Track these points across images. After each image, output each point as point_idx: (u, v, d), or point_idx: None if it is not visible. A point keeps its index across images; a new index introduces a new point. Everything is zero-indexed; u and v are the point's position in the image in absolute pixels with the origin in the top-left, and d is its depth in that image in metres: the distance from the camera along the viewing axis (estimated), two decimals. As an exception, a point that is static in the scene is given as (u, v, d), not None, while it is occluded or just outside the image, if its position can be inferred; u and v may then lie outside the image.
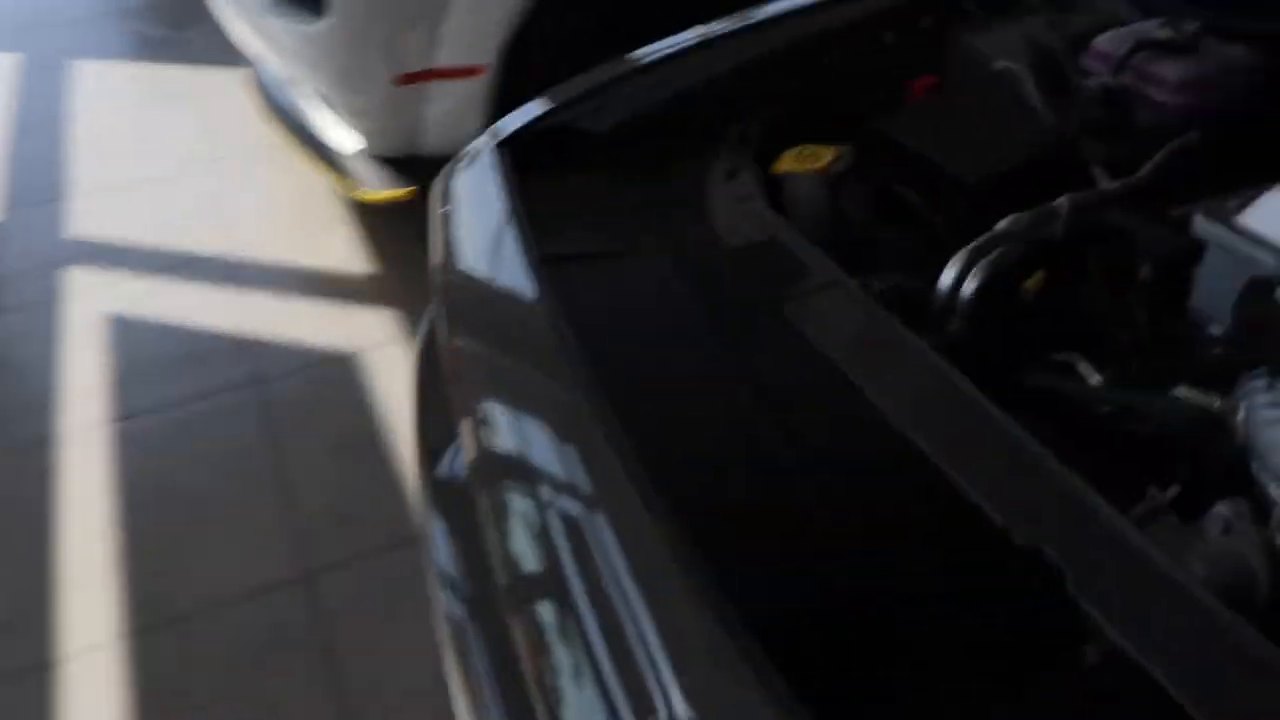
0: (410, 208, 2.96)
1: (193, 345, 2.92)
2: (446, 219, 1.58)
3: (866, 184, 1.55)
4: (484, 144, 1.65)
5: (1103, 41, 1.59)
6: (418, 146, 2.99)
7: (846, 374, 1.14)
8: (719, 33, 1.76)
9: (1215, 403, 1.16)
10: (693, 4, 3.02)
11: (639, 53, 1.77)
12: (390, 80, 2.83)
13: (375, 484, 2.44)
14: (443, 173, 1.67)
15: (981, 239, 1.33)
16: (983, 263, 1.32)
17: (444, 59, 2.82)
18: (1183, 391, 1.22)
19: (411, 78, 2.84)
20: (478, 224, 1.53)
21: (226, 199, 3.54)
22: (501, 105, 2.90)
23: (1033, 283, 1.36)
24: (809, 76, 1.72)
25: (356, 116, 2.98)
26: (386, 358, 2.79)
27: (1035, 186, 1.42)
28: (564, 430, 1.18)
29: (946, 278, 1.32)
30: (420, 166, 3.00)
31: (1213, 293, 1.23)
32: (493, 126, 1.69)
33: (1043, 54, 1.66)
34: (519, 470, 1.17)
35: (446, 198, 1.61)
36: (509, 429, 1.23)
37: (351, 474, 2.47)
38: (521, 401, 1.26)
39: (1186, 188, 1.42)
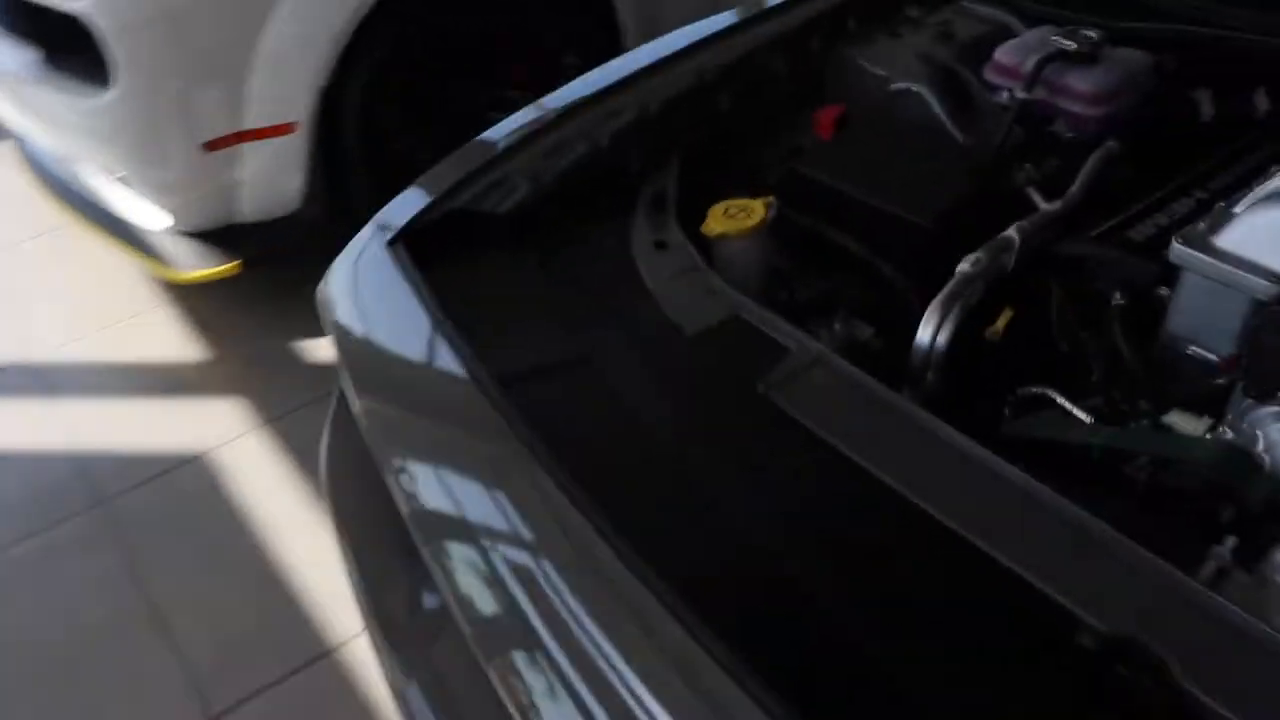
0: (235, 282, 2.72)
1: (9, 472, 2.57)
2: (348, 333, 1.41)
3: (797, 233, 1.46)
4: (372, 240, 1.47)
5: (1004, 54, 1.56)
6: (234, 215, 2.74)
7: (870, 462, 1.06)
8: (595, 89, 1.62)
9: (1226, 431, 1.14)
10: (507, 54, 2.93)
11: (512, 122, 1.62)
12: (196, 148, 2.57)
13: (260, 599, 2.21)
14: (327, 279, 1.49)
15: (951, 286, 1.27)
16: (955, 310, 1.26)
17: (253, 119, 2.59)
18: (1174, 418, 1.20)
19: (219, 143, 2.59)
20: (395, 335, 1.36)
21: (15, 295, 3.16)
22: (321, 160, 2.70)
23: (1002, 322, 1.31)
24: (707, 121, 1.62)
25: (160, 191, 2.70)
26: (241, 452, 2.54)
27: (978, 218, 1.38)
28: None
29: (925, 333, 1.25)
30: (240, 236, 2.77)
31: (1191, 318, 1.21)
32: (375, 219, 1.51)
33: (942, 71, 1.62)
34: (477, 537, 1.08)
35: (342, 308, 1.43)
36: (466, 516, 1.13)
37: (230, 592, 2.23)
38: (482, 502, 1.13)
39: (1116, 199, 1.41)
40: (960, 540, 0.98)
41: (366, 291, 1.42)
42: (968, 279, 1.28)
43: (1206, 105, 1.54)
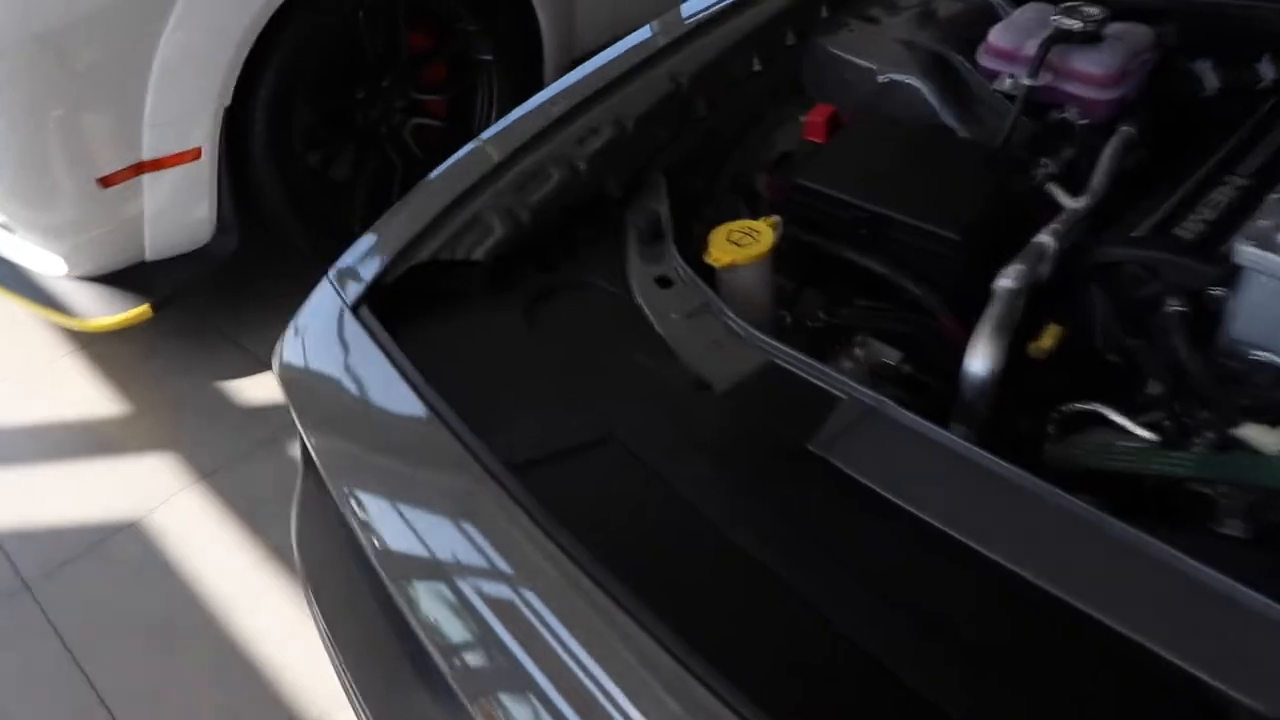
0: (147, 323, 2.50)
1: (-86, 561, 2.33)
2: (316, 413, 1.24)
3: (805, 253, 1.34)
4: (332, 303, 1.30)
5: (999, 37, 1.44)
6: (138, 253, 2.52)
7: (954, 526, 0.94)
8: (560, 107, 1.46)
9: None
10: (419, 57, 2.74)
11: (469, 154, 1.45)
12: (88, 185, 2.34)
13: (221, 680, 2.02)
14: (284, 349, 1.32)
15: (999, 306, 1.16)
16: (1003, 332, 1.15)
17: (152, 148, 2.37)
18: (1249, 431, 1.11)
19: (115, 177, 2.37)
20: (372, 413, 1.20)
21: (-106, 359, 2.87)
22: (230, 186, 2.49)
23: (1050, 338, 1.21)
24: (686, 132, 1.48)
25: (50, 235, 2.47)
26: (177, 514, 2.34)
27: (1004, 223, 1.27)
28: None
29: (978, 362, 1.13)
30: (148, 277, 2.54)
31: (1259, 321, 1.12)
32: (331, 275, 1.34)
33: (931, 58, 1.51)
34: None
35: (307, 385, 1.26)
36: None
37: (186, 676, 2.03)
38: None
39: (1141, 188, 1.31)
40: (1074, 612, 0.87)
41: (333, 364, 1.25)
42: (1013, 295, 1.17)
43: (1210, 77, 1.45)
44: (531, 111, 1.47)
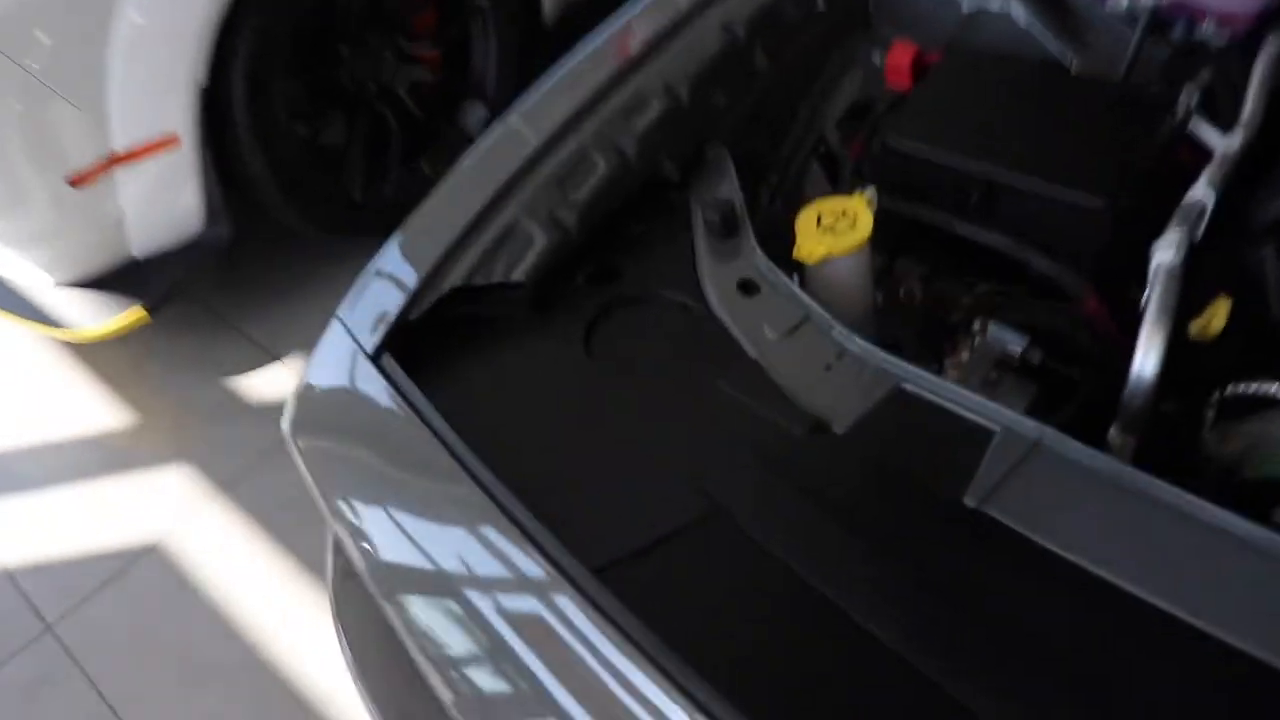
0: (140, 327, 2.30)
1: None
2: (338, 483, 1.05)
3: (904, 228, 1.13)
4: (347, 347, 1.09)
5: (1108, -54, 1.21)
6: (124, 253, 2.31)
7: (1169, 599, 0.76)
8: (595, 79, 1.23)
9: None
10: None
11: (496, 141, 1.23)
12: (58, 185, 2.13)
13: (262, 711, 1.87)
14: (296, 404, 1.12)
15: (1162, 289, 0.95)
16: (1165, 317, 0.95)
17: (124, 139, 2.14)
18: None
19: (86, 175, 2.15)
20: (406, 488, 1.01)
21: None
22: (216, 169, 2.27)
23: (1219, 315, 1.01)
24: (745, 92, 1.26)
25: (26, 244, 2.26)
26: (200, 533, 2.16)
27: (1154, 180, 1.06)
28: None
29: (1147, 360, 0.93)
30: (138, 275, 2.33)
31: None
32: (344, 310, 1.14)
33: (1024, -23, 1.27)
34: None
35: (325, 451, 1.07)
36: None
37: (228, 709, 1.89)
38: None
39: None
40: None
41: (354, 429, 1.05)
42: (1176, 271, 0.96)
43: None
44: (562, 83, 1.24)
